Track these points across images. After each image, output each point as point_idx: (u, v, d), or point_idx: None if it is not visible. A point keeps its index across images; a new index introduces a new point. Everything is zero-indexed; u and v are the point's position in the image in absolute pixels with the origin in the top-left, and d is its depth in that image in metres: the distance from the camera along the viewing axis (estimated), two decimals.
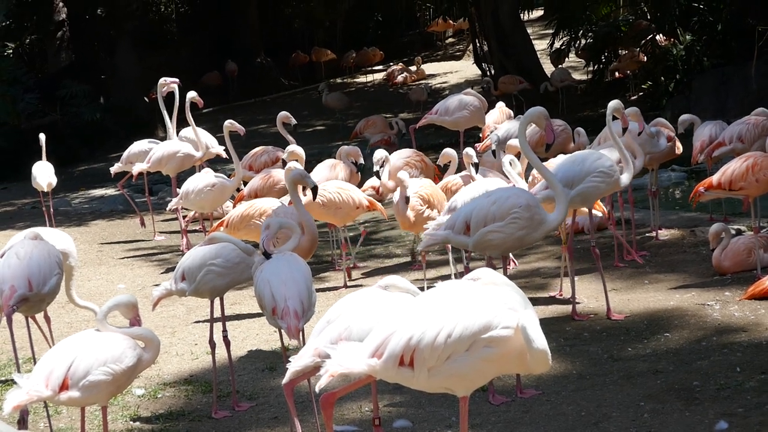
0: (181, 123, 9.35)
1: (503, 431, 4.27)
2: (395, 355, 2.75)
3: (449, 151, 7.58)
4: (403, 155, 8.21)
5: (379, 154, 7.22)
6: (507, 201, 4.95)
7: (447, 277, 6.37)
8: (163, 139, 10.02)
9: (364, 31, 21.67)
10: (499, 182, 6.24)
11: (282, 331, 4.15)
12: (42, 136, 9.35)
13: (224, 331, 4.86)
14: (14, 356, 4.71)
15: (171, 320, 6.69)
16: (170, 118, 9.15)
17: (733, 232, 6.54)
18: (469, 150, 6.99)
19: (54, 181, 9.23)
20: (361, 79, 20.85)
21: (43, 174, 9.11)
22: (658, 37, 13.69)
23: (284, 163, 7.54)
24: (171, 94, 8.99)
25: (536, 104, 5.79)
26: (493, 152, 7.06)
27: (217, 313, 4.88)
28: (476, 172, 6.75)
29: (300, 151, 7.65)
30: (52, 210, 6.05)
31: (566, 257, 6.15)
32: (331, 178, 7.58)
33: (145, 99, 10.19)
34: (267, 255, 4.21)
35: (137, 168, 8.92)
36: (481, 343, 2.71)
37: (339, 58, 20.86)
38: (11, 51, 16.25)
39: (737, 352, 4.98)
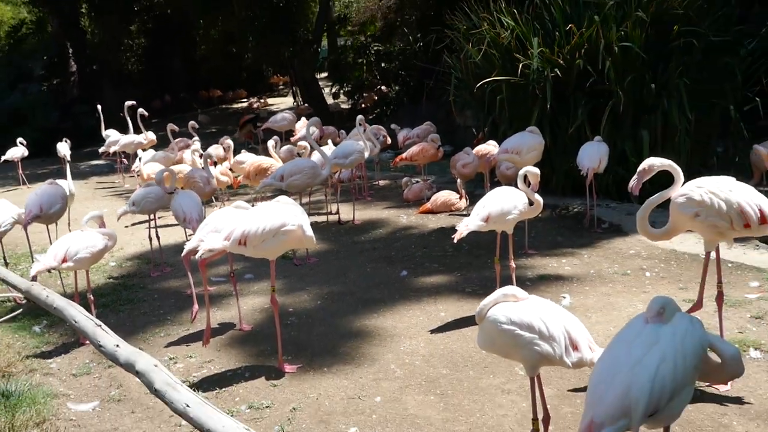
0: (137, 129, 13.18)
1: (300, 279, 6.81)
2: (237, 239, 4.50)
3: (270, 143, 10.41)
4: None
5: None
6: (301, 164, 7.90)
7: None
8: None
9: (238, 79, 32.31)
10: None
11: (186, 229, 6.78)
12: (63, 144, 12.16)
13: (156, 229, 7.46)
14: (29, 250, 7.40)
15: (132, 228, 9.69)
16: (132, 123, 12.92)
17: (414, 181, 10.08)
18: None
19: (68, 154, 12.70)
20: (235, 106, 29.93)
21: (63, 150, 12.85)
22: (383, 88, 20.80)
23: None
24: (133, 110, 12.59)
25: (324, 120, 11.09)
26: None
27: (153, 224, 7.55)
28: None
29: (230, 142, 10.95)
30: (68, 170, 8.16)
31: (338, 190, 9.68)
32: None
33: (120, 114, 13.35)
34: (171, 192, 6.98)
35: (113, 148, 13.15)
36: (280, 233, 4.55)
37: (223, 95, 31.05)
38: (45, 87, 23.56)
39: (413, 237, 8.02)
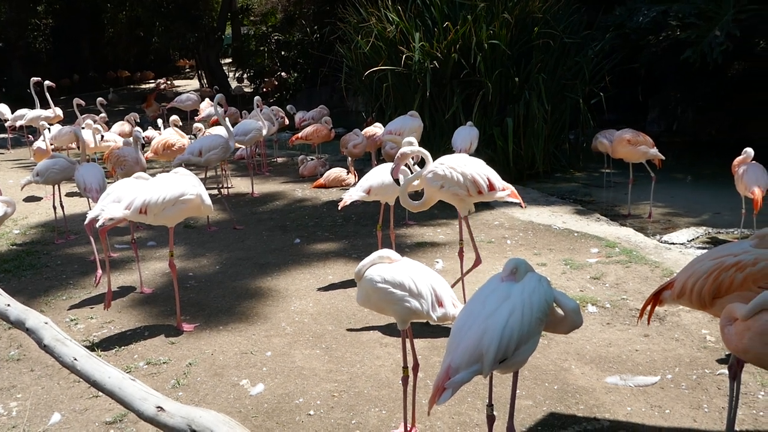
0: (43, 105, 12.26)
1: (200, 245, 6.60)
2: (137, 207, 4.28)
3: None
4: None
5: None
6: (216, 139, 7.35)
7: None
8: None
9: (146, 61, 31.10)
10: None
11: (89, 199, 6.09)
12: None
13: (60, 200, 6.95)
14: None
15: (37, 200, 9.03)
16: (40, 99, 11.95)
17: (309, 158, 9.91)
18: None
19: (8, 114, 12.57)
20: (143, 86, 28.57)
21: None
22: (283, 74, 20.11)
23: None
24: (39, 86, 11.51)
25: (228, 103, 10.39)
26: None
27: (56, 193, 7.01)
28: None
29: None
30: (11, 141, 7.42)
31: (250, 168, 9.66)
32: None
33: (28, 90, 12.12)
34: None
35: (19, 122, 12.20)
36: (179, 202, 4.36)
37: (131, 75, 29.44)
38: None
39: (307, 209, 7.90)
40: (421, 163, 4.44)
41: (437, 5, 9.28)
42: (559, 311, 2.74)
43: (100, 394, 3.69)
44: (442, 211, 7.22)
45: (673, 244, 6.19)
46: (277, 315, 4.76)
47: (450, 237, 6.44)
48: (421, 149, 4.24)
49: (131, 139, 6.84)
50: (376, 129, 8.48)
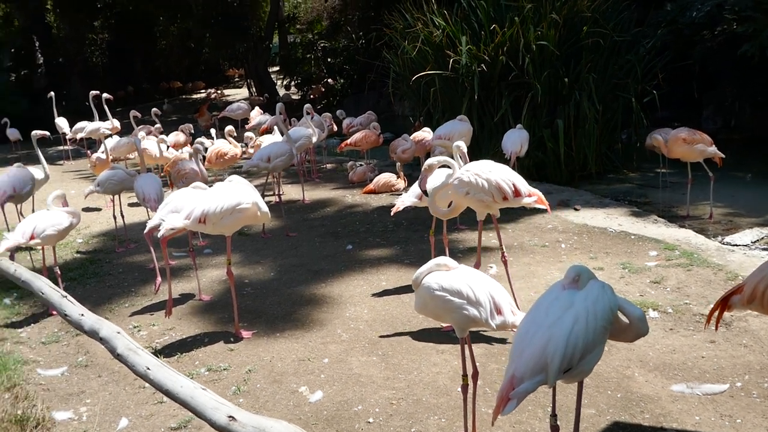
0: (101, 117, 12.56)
1: (255, 252, 6.68)
2: (197, 217, 4.34)
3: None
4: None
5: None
6: (282, 146, 7.60)
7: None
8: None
9: (197, 72, 31.65)
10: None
11: (147, 209, 6.38)
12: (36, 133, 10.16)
13: (120, 209, 7.23)
14: (6, 226, 6.96)
15: (98, 210, 9.33)
16: (98, 111, 12.22)
17: (358, 164, 9.77)
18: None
19: (67, 128, 13.48)
20: (194, 96, 28.97)
21: (62, 125, 13.73)
22: (329, 80, 20.36)
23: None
24: (98, 99, 11.88)
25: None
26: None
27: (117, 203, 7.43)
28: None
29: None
30: (40, 153, 7.56)
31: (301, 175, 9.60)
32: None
33: (85, 103, 13.04)
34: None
35: (80, 135, 12.72)
36: (236, 211, 4.40)
37: (183, 86, 29.93)
38: (14, 78, 22.97)
39: (357, 215, 7.89)
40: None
41: (483, 8, 9.20)
42: (624, 319, 2.66)
43: (165, 400, 3.78)
44: None
45: (737, 245, 5.97)
46: (333, 321, 4.78)
47: (504, 241, 6.31)
48: (448, 159, 4.24)
49: (192, 150, 6.97)
50: (425, 134, 8.45)
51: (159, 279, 5.36)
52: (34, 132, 7.78)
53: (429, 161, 4.21)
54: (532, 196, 4.40)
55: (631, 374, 3.73)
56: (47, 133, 11.20)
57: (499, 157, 8.02)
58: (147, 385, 3.98)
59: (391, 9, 11.04)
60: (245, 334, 4.64)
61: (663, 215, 7.06)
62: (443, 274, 3.08)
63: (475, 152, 8.42)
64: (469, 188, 4.26)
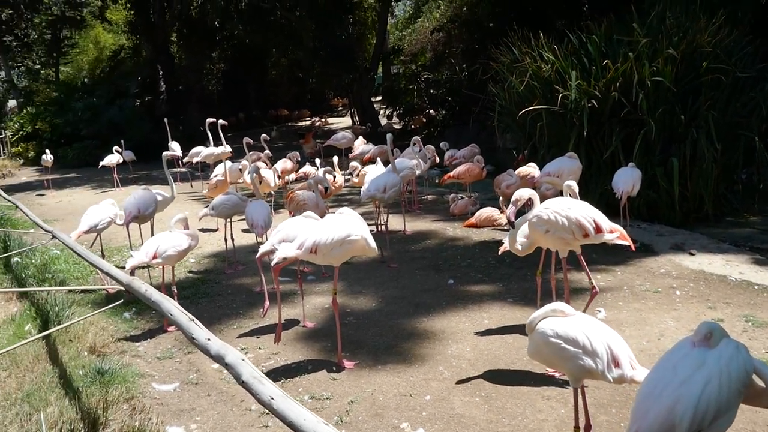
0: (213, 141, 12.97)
1: (357, 282, 6.72)
2: (308, 248, 4.43)
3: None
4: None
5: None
6: (395, 177, 7.64)
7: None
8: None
9: (303, 100, 32.95)
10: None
11: (256, 234, 6.54)
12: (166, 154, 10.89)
13: (231, 233, 7.56)
14: (129, 243, 7.70)
15: (212, 231, 9.68)
16: (213, 137, 12.59)
17: (460, 197, 9.77)
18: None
19: (179, 152, 13.50)
20: (299, 124, 29.69)
21: (175, 148, 14.05)
22: (431, 111, 20.64)
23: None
24: (213, 125, 12.20)
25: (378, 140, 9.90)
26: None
27: (227, 226, 7.59)
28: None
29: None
30: (169, 175, 8.07)
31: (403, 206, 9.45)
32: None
33: (200, 128, 13.62)
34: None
35: (195, 159, 13.35)
36: (345, 242, 4.45)
37: (290, 114, 31.13)
38: (138, 104, 24.39)
39: (459, 248, 7.80)
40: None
41: (595, 43, 9.00)
42: (760, 383, 2.46)
43: (269, 424, 3.85)
44: (602, 256, 6.87)
45: None
46: (434, 357, 4.72)
47: (611, 283, 6.09)
48: (534, 193, 4.27)
49: (312, 181, 7.10)
50: (530, 169, 8.30)
51: (267, 303, 5.51)
52: (165, 153, 8.31)
53: (518, 193, 4.28)
54: (614, 232, 4.31)
55: None
56: (177, 153, 11.94)
57: (608, 195, 7.78)
58: (253, 407, 4.09)
59: (497, 43, 11.02)
60: (347, 364, 4.66)
61: None
62: (559, 320, 2.98)
63: (582, 190, 8.14)
64: (549, 226, 4.27)
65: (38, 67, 31.82)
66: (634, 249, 4.77)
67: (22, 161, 22.39)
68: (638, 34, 8.68)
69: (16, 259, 7.69)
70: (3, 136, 23.82)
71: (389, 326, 5.40)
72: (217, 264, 7.77)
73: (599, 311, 5.37)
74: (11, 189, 14.73)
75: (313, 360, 4.82)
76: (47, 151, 16.46)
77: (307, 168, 11.16)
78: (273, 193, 10.64)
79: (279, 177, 10.46)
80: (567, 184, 5.06)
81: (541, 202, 4.38)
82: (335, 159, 9.84)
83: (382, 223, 8.80)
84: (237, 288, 6.76)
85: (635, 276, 6.28)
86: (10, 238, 8.57)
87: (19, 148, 22.95)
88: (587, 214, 4.26)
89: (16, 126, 23.53)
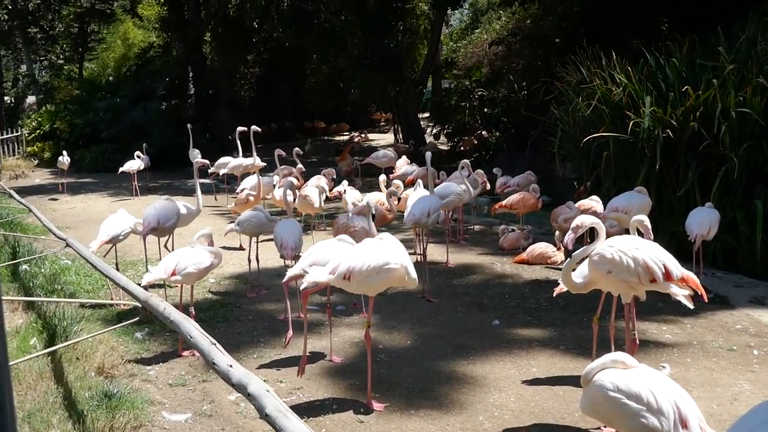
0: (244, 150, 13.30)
1: (392, 316, 6.77)
2: (342, 273, 4.45)
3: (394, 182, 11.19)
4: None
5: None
6: (438, 202, 7.88)
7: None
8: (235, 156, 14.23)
9: (342, 113, 33.79)
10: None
11: (284, 257, 6.38)
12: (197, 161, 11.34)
13: (257, 253, 7.61)
14: (145, 257, 7.73)
15: (235, 249, 10.00)
16: (243, 147, 13.00)
17: (511, 229, 9.67)
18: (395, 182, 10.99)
19: (199, 158, 12.51)
20: (337, 138, 31.10)
21: (196, 156, 13.00)
22: (484, 132, 20.48)
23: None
24: (243, 135, 12.25)
25: (423, 161, 9.30)
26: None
27: (253, 245, 7.74)
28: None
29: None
30: (198, 186, 8.32)
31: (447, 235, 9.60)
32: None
33: (229, 137, 14.44)
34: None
35: (222, 170, 13.72)
36: (383, 271, 4.47)
37: (327, 126, 31.80)
38: (164, 106, 24.50)
39: (507, 286, 7.79)
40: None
41: (674, 66, 8.97)
42: None
43: None
44: (669, 306, 6.75)
45: None
46: (474, 406, 4.71)
47: (679, 338, 5.99)
48: (599, 222, 4.28)
49: (360, 204, 7.18)
50: (593, 203, 8.25)
51: (290, 333, 5.58)
52: (196, 160, 8.53)
53: (580, 219, 4.30)
54: (686, 281, 4.26)
55: None
56: (207, 162, 12.23)
57: (680, 237, 7.68)
58: None
59: (563, 60, 11.06)
60: (377, 406, 4.68)
61: None
62: (620, 372, 2.96)
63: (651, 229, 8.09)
64: (612, 266, 4.21)
65: (62, 62, 32.98)
66: (707, 300, 4.71)
67: (36, 162, 23.19)
68: (724, 59, 8.62)
69: (24, 266, 7.94)
70: (19, 134, 24.66)
71: (425, 367, 5.41)
72: (238, 286, 7.90)
73: (663, 367, 5.26)
74: (23, 191, 15.21)
75: (338, 398, 4.86)
76: (64, 152, 17.04)
77: (344, 187, 11.20)
78: (321, 215, 10.90)
79: (327, 197, 10.36)
80: (638, 218, 5.02)
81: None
82: (382, 178, 9.88)
83: (422, 252, 8.82)
84: (259, 314, 6.86)
85: (707, 330, 6.17)
86: (20, 243, 8.84)
87: (35, 147, 23.75)
88: (657, 256, 4.20)
89: (33, 124, 24.40)
